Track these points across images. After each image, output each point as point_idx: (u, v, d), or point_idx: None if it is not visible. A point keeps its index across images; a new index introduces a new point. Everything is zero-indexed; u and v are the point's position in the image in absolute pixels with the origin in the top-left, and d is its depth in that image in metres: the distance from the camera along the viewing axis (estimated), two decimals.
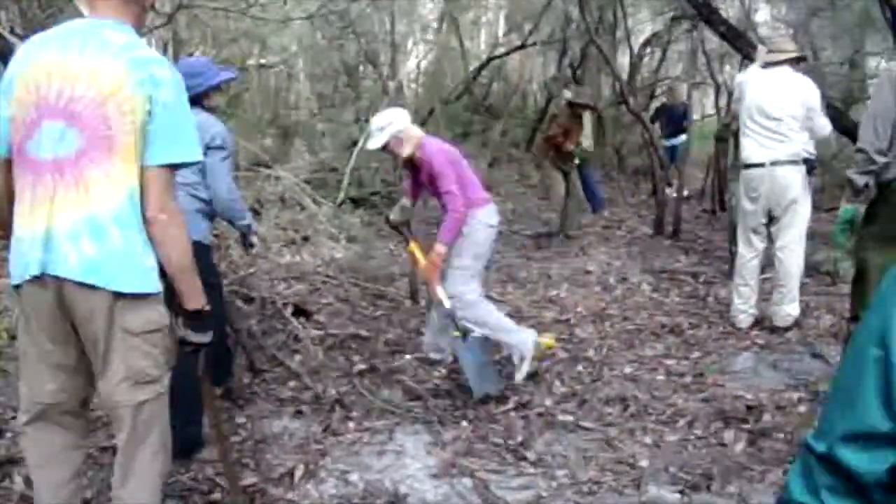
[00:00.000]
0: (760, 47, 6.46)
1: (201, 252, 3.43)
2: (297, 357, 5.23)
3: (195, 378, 2.96)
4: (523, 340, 4.98)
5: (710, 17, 8.10)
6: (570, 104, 9.34)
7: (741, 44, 7.71)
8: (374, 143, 5.01)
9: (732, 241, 7.30)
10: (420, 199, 5.46)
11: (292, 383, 4.82)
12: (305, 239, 7.51)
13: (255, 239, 4.43)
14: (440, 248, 4.83)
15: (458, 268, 4.95)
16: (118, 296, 2.48)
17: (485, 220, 4.99)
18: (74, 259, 2.44)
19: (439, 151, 4.96)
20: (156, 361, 2.60)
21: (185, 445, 3.81)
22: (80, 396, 2.69)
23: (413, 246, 5.16)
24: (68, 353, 2.59)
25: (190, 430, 3.83)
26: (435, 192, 4.95)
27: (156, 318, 2.58)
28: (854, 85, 13.45)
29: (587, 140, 10.42)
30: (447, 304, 4.90)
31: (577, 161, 9.48)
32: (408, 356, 5.43)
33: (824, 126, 5.85)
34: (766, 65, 5.98)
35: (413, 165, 5.10)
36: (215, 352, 3.63)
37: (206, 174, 3.92)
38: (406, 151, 4.96)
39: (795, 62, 6.04)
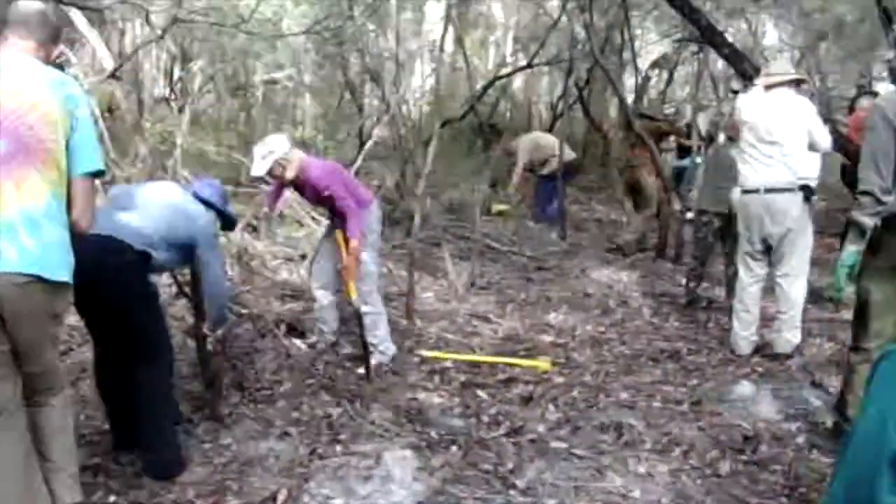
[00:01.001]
0: (761, 77, 6.41)
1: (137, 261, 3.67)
2: (288, 376, 5.15)
3: (166, 402, 3.01)
4: (391, 348, 5.61)
5: (713, 39, 8.03)
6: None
7: (745, 67, 7.64)
8: (258, 171, 5.28)
9: (729, 263, 7.26)
10: (279, 208, 6.09)
11: (281, 403, 4.73)
12: (303, 257, 7.44)
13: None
14: (355, 242, 5.21)
15: (365, 271, 5.42)
16: (52, 284, 2.81)
17: (374, 214, 5.50)
18: (13, 253, 2.71)
19: (320, 168, 5.41)
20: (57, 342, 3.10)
21: (165, 468, 3.76)
22: (14, 389, 2.90)
23: (339, 237, 5.34)
24: (2, 347, 2.82)
25: (168, 452, 3.77)
26: (323, 202, 5.43)
27: (66, 304, 3.02)
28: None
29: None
30: (357, 302, 5.29)
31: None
32: (402, 377, 5.36)
33: (825, 139, 5.78)
34: (767, 87, 5.92)
35: (296, 185, 5.50)
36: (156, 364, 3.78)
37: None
38: (290, 175, 5.29)
39: (796, 84, 5.98)
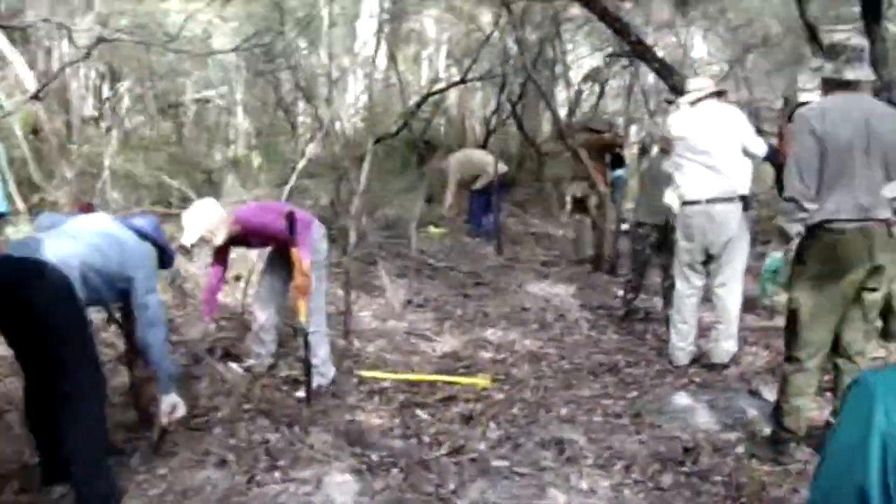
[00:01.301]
0: (691, 82, 6.50)
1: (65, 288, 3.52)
2: (224, 402, 5.02)
3: (98, 433, 2.88)
4: (331, 370, 5.53)
5: (643, 53, 8.13)
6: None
7: (674, 80, 7.75)
8: (187, 240, 5.11)
9: (665, 275, 7.33)
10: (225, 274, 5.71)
11: (217, 430, 4.61)
12: (237, 279, 7.31)
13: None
14: (307, 263, 5.11)
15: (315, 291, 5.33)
16: None
17: (318, 233, 5.45)
18: None
19: (249, 210, 5.37)
20: None
21: (99, 502, 3.62)
22: None
23: (294, 256, 5.19)
24: None
25: (101, 485, 3.63)
26: (275, 235, 5.26)
27: None
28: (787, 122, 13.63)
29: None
30: (307, 323, 5.21)
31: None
32: (341, 398, 5.27)
33: (758, 146, 5.88)
34: (692, 103, 6.01)
35: (236, 242, 5.40)
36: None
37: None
38: (219, 240, 5.14)
39: (717, 95, 6.09)
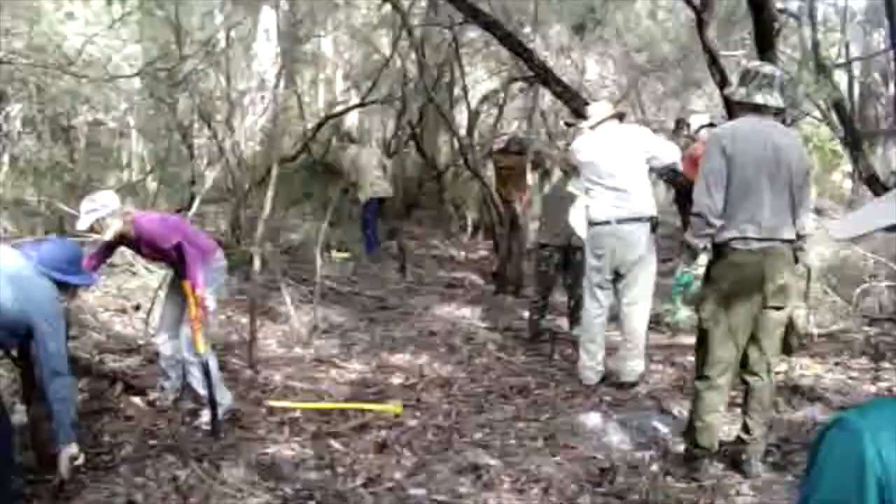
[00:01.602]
0: (591, 107, 6.60)
1: None
2: (129, 439, 4.82)
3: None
4: (227, 396, 5.27)
5: (546, 77, 8.22)
6: None
7: (576, 104, 7.85)
8: (81, 225, 4.98)
9: (570, 295, 7.40)
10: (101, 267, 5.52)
11: (123, 468, 4.41)
12: (137, 308, 7.08)
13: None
14: (201, 291, 4.97)
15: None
16: None
17: (219, 264, 5.33)
18: None
19: (157, 223, 5.20)
20: None
21: None
22: None
23: (186, 288, 5.08)
24: None
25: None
26: (163, 253, 5.15)
27: None
28: (681, 142, 14.05)
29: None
30: (205, 355, 5.03)
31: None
32: (250, 430, 5.13)
33: (668, 151, 6.03)
34: (593, 126, 6.11)
35: (128, 243, 5.26)
36: None
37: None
38: (107, 237, 5.01)
39: (619, 118, 6.23)
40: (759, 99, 4.18)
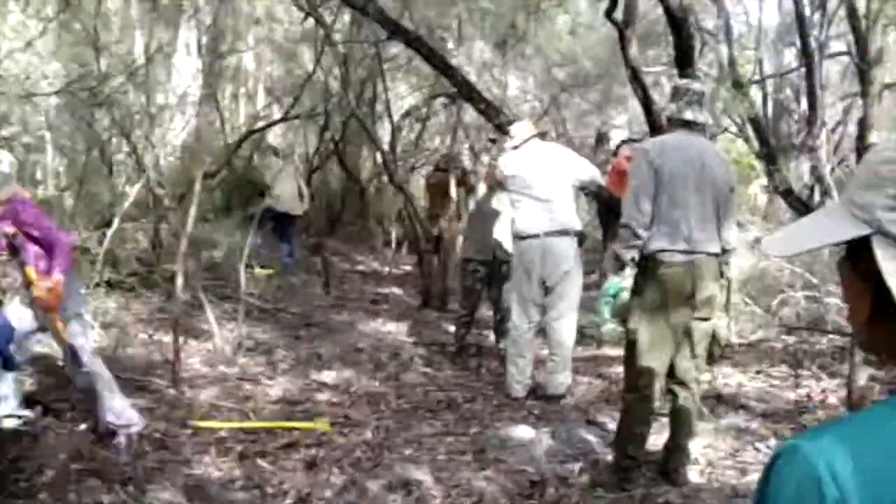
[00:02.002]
0: (515, 126, 6.68)
1: None
2: (49, 463, 4.66)
3: None
4: (132, 417, 4.90)
5: (470, 94, 8.27)
6: None
7: (500, 120, 7.92)
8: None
9: (496, 309, 7.43)
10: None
11: (44, 496, 4.25)
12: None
13: None
14: (61, 276, 4.75)
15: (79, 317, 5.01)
16: None
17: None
18: None
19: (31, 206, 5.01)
20: None
21: None
22: None
23: (28, 271, 4.89)
24: None
25: None
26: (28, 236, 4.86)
27: None
28: (602, 157, 14.29)
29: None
30: (71, 339, 4.87)
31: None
32: (175, 451, 5.01)
33: (590, 170, 6.13)
34: (516, 146, 6.19)
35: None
36: None
37: None
38: None
39: (541, 136, 6.32)
40: (688, 115, 4.27)
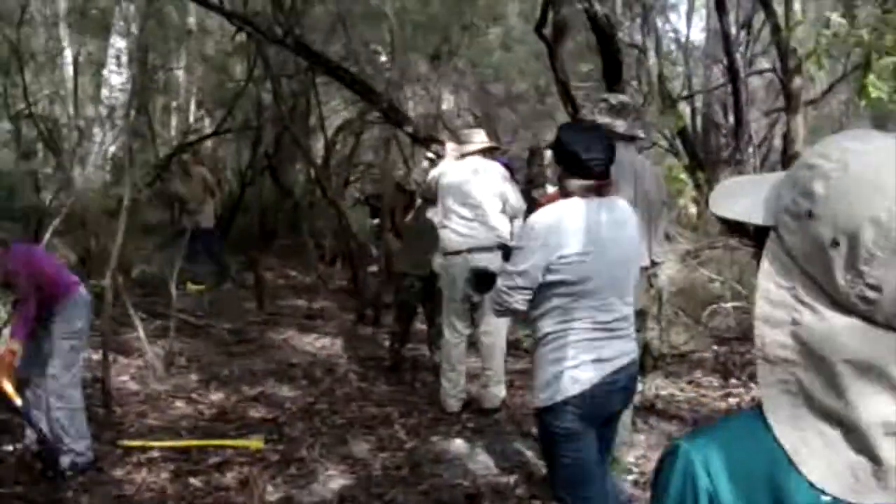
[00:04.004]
0: (448, 144, 6.69)
1: None
2: None
3: None
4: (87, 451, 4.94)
5: (396, 120, 8.33)
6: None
7: (429, 144, 8.02)
8: None
9: (430, 323, 7.42)
10: None
11: None
12: None
13: None
14: (15, 345, 4.67)
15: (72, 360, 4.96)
16: None
17: (81, 299, 5.07)
18: None
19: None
20: None
21: None
22: None
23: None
24: None
25: None
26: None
27: None
28: (535, 171, 14.41)
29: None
30: (19, 402, 4.75)
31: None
32: (105, 473, 4.91)
33: (518, 200, 6.16)
34: (462, 155, 6.21)
35: None
36: None
37: None
38: None
39: (488, 151, 6.33)
40: (622, 129, 4.31)
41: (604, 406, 3.18)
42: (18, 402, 4.72)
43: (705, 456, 1.04)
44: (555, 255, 3.05)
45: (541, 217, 3.17)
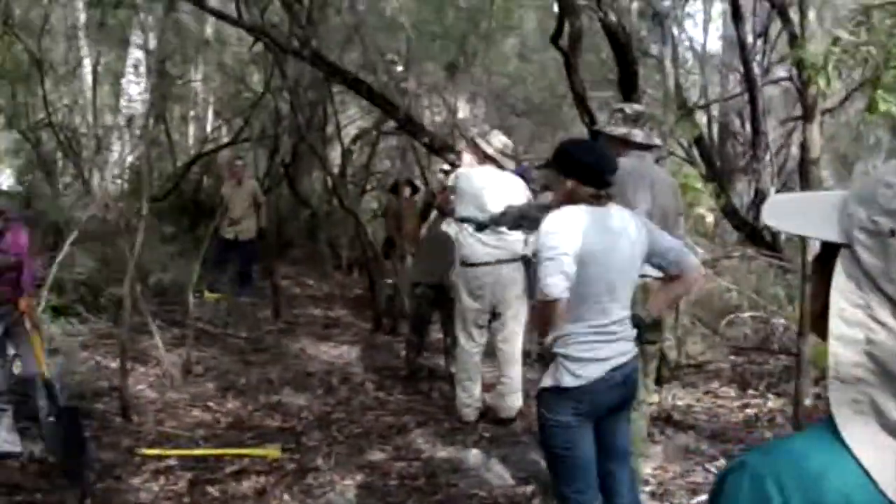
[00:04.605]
0: (465, 154, 6.66)
1: None
2: None
3: None
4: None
5: (413, 130, 8.35)
6: None
7: (445, 153, 8.03)
8: None
9: (446, 333, 7.41)
10: None
11: None
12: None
13: None
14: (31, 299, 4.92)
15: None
16: None
17: None
18: None
19: None
20: None
21: None
22: None
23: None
24: None
25: None
26: None
27: None
28: (551, 179, 14.38)
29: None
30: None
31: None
32: (123, 481, 4.93)
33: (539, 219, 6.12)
34: (482, 158, 6.17)
35: None
36: None
37: None
38: None
39: (505, 158, 6.30)
40: (639, 138, 4.32)
41: (601, 401, 3.31)
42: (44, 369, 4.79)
43: (777, 473, 1.00)
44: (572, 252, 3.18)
45: (553, 221, 3.29)
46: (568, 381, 3.20)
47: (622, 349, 3.34)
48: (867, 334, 0.98)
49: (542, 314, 3.35)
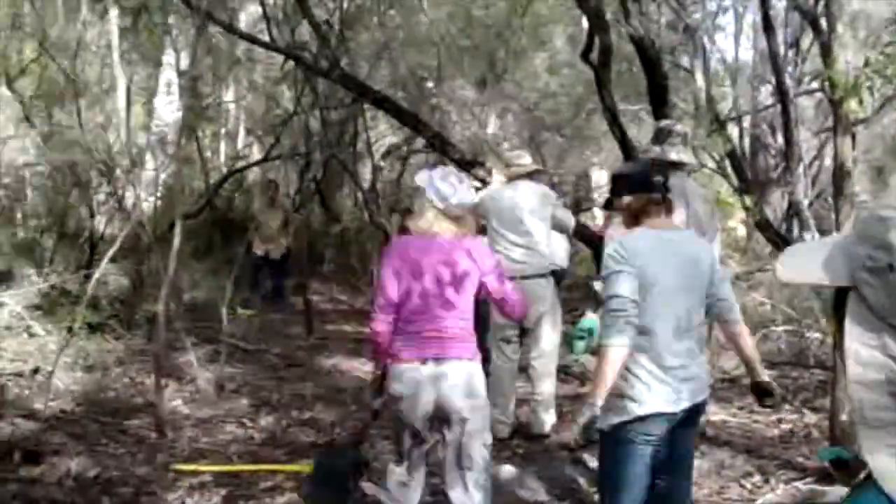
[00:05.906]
0: (495, 172, 6.68)
1: None
2: None
3: None
4: None
5: (443, 147, 8.38)
6: None
7: (476, 171, 8.05)
8: None
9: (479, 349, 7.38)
10: None
11: None
12: (35, 371, 6.82)
13: None
14: None
15: None
16: None
17: None
18: None
19: None
20: None
21: None
22: None
23: None
24: None
25: None
26: None
27: None
28: (581, 195, 14.43)
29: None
30: None
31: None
32: (157, 497, 4.96)
33: (569, 218, 6.16)
34: (510, 178, 6.20)
35: None
36: None
37: None
38: None
39: (534, 174, 6.33)
40: (673, 156, 4.34)
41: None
42: None
43: None
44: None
45: (623, 243, 3.33)
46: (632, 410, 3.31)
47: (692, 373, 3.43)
48: (887, 374, 0.94)
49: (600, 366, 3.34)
